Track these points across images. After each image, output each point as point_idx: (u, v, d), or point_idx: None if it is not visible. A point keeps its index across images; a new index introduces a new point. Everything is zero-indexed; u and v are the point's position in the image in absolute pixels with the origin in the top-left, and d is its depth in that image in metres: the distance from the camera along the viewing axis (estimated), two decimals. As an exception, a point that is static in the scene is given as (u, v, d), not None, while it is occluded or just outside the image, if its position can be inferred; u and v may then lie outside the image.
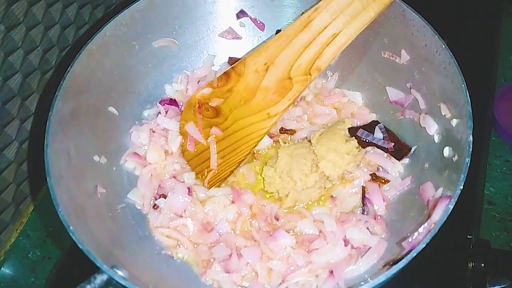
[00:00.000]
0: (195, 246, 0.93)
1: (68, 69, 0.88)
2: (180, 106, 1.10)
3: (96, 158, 0.94)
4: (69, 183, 0.82)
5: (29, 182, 1.18)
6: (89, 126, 0.94)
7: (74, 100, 0.89)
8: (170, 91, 1.12)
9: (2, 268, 1.12)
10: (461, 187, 0.73)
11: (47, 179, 0.76)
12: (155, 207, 0.97)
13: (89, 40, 0.92)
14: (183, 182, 1.00)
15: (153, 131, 1.06)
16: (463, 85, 0.81)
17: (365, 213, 0.94)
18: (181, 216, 0.96)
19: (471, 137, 0.77)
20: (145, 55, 1.05)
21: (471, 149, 0.76)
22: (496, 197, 1.20)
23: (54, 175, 0.77)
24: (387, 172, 0.99)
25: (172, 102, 1.10)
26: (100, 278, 0.68)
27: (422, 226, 0.75)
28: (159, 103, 1.09)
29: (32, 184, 1.20)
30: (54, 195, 0.75)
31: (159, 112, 1.08)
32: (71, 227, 0.72)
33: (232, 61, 1.11)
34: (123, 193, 0.98)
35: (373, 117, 1.06)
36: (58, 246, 1.15)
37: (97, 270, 0.71)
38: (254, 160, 1.05)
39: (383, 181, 0.98)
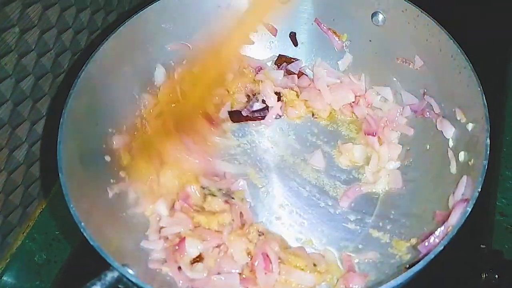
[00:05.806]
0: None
1: (83, 68, 0.88)
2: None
3: (107, 158, 0.94)
4: (81, 181, 0.81)
5: (37, 184, 1.17)
6: (102, 126, 0.93)
7: (87, 98, 0.89)
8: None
9: (7, 271, 1.11)
10: (479, 190, 0.72)
11: (60, 175, 0.75)
12: None
13: (104, 40, 0.92)
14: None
15: None
16: (479, 89, 0.81)
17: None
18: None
19: (488, 140, 0.76)
20: (158, 58, 1.06)
21: (488, 152, 0.75)
22: (508, 209, 1.18)
23: (66, 171, 0.77)
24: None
25: None
26: (110, 276, 0.67)
27: (439, 229, 0.74)
28: None
29: (41, 187, 1.19)
30: (66, 191, 0.74)
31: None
32: (82, 223, 0.71)
33: (281, 60, 1.13)
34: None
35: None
36: (64, 249, 1.14)
37: (104, 270, 0.69)
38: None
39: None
